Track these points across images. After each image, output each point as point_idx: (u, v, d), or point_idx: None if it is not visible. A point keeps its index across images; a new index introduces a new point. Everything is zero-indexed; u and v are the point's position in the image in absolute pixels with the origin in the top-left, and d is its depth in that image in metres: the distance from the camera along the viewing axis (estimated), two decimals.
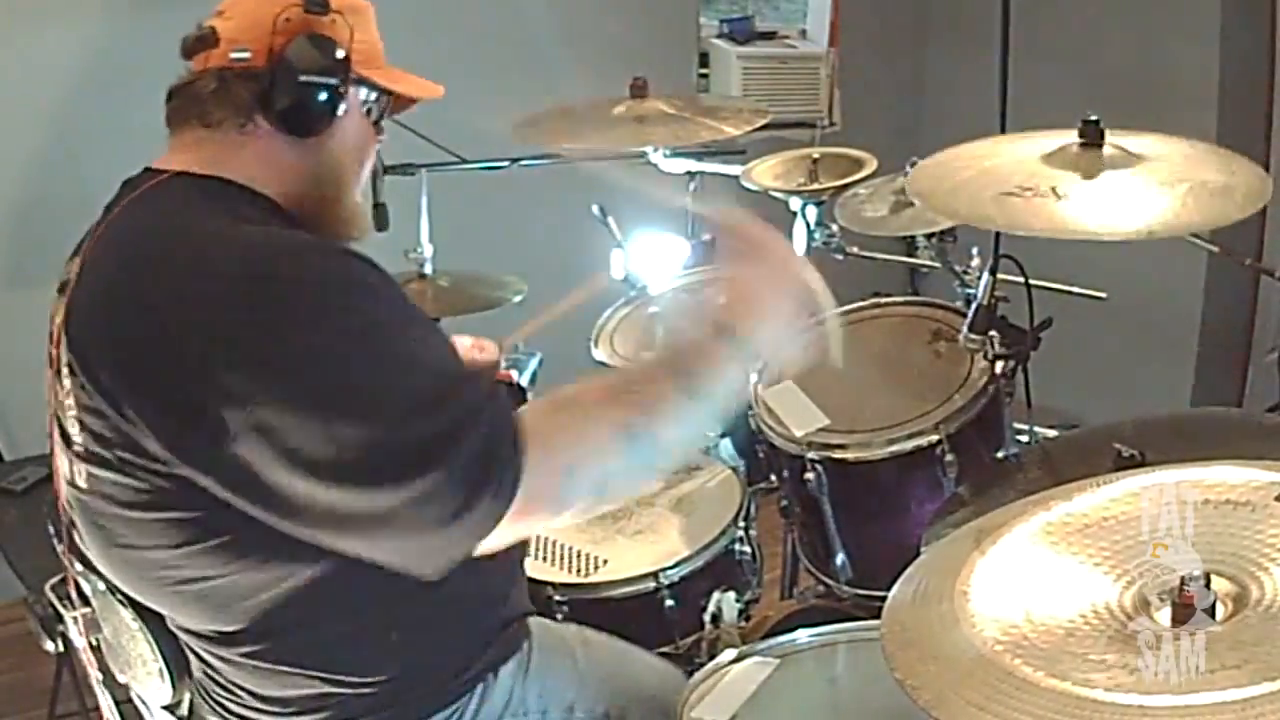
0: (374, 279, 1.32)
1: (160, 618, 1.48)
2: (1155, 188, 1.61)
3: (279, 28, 1.45)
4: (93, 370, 1.32)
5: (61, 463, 1.42)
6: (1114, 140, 1.68)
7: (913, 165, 2.24)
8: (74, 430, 1.36)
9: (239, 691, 1.46)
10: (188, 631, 1.45)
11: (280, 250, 1.32)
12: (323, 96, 1.46)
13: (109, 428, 1.31)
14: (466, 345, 1.87)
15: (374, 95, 1.55)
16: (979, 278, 2.06)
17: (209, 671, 1.48)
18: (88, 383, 1.32)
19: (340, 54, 1.47)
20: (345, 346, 1.25)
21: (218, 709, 1.50)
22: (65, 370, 1.36)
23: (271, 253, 1.31)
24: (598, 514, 1.26)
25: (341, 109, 1.48)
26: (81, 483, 1.38)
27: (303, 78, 1.44)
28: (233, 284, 1.27)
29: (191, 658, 1.50)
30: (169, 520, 1.31)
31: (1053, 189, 1.62)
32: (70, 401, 1.36)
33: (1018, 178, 1.66)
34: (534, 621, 1.63)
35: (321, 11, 1.47)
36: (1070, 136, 1.69)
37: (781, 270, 1.44)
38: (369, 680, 1.41)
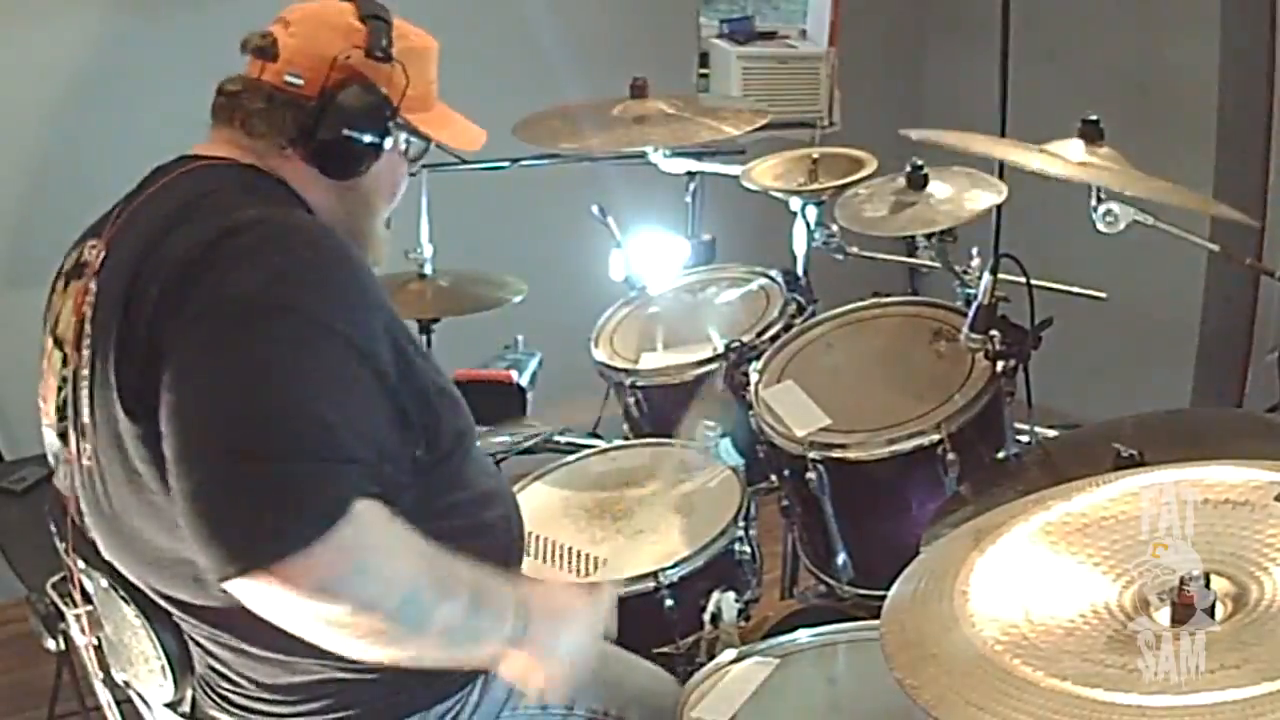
0: (355, 319, 1.31)
1: (163, 614, 1.48)
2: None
3: (337, 66, 1.44)
4: (108, 344, 1.33)
5: (72, 443, 1.42)
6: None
7: (917, 169, 2.26)
8: (85, 407, 1.38)
9: (242, 682, 1.47)
10: (190, 613, 1.45)
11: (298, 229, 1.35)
12: (362, 148, 1.47)
13: (115, 401, 1.32)
14: None
15: (414, 138, 1.56)
16: (979, 277, 2.06)
17: (212, 664, 1.49)
18: (107, 357, 1.33)
19: (389, 109, 1.47)
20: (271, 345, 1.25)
21: (220, 702, 1.50)
22: (86, 345, 1.37)
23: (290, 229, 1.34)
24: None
25: (380, 156, 1.49)
26: (87, 460, 1.40)
27: (345, 131, 1.45)
28: (217, 237, 1.29)
29: (194, 652, 1.51)
30: (161, 500, 1.31)
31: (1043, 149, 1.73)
32: (85, 373, 1.37)
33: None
34: None
35: (384, 59, 1.46)
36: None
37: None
38: (371, 669, 1.40)
